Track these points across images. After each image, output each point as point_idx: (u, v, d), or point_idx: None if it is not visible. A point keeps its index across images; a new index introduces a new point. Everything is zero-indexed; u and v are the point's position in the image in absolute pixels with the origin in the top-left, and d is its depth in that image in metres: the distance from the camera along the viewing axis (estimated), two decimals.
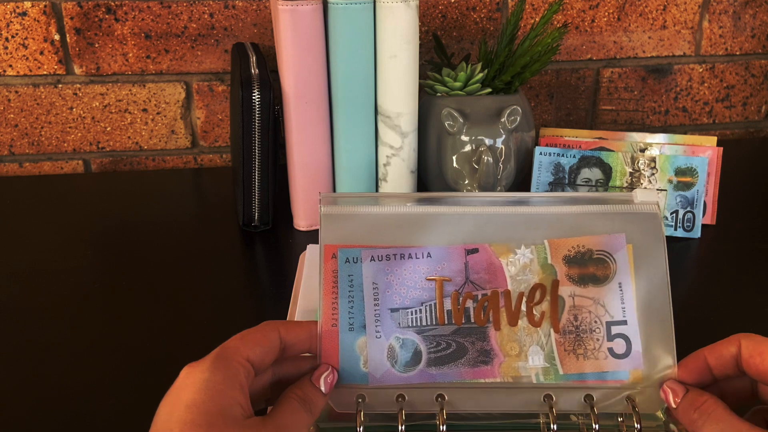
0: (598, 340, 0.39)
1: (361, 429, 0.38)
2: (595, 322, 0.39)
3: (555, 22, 0.88)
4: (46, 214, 0.75)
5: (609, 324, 0.39)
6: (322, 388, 0.37)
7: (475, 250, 0.40)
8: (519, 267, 0.40)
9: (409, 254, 0.39)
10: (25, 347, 0.52)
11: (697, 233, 0.68)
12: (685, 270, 0.64)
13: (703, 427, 0.35)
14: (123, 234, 0.70)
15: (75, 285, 0.61)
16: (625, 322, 0.39)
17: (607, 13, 0.90)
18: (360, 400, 0.39)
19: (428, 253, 0.40)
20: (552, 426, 0.38)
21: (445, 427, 0.38)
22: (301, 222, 0.70)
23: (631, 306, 0.40)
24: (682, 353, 0.39)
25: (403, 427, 0.38)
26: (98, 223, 0.73)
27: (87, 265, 0.65)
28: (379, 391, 0.39)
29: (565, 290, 0.40)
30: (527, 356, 0.39)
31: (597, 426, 0.38)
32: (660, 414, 0.40)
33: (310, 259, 0.62)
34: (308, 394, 0.36)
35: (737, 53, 0.96)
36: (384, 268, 0.39)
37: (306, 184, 0.68)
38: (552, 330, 0.39)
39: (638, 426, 0.38)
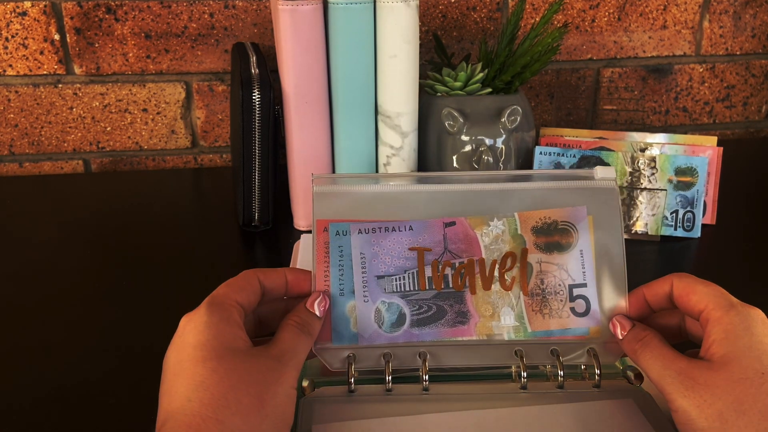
0: (561, 301, 0.44)
1: (353, 380, 0.42)
2: (559, 285, 0.44)
3: (555, 22, 0.88)
4: (46, 214, 0.75)
5: (571, 286, 0.44)
6: (317, 313, 0.41)
7: (452, 223, 0.44)
8: (492, 237, 0.44)
9: (393, 227, 0.44)
10: (25, 347, 0.52)
11: (697, 233, 0.68)
12: (685, 269, 0.64)
13: (641, 355, 0.39)
14: (123, 234, 0.70)
15: (75, 285, 0.61)
16: (585, 285, 0.44)
17: (607, 13, 0.90)
18: (350, 359, 0.42)
19: (410, 226, 0.44)
20: (522, 374, 0.42)
21: (428, 377, 0.42)
22: (301, 222, 0.70)
23: (590, 270, 0.44)
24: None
25: (390, 378, 0.42)
26: (98, 223, 0.73)
27: (87, 265, 0.64)
28: (367, 350, 0.43)
29: (533, 257, 0.44)
30: (500, 316, 0.44)
31: (562, 373, 0.42)
32: (618, 364, 0.45)
33: (303, 247, 0.63)
34: (305, 319, 0.40)
35: (737, 53, 0.96)
36: (370, 239, 0.43)
37: (306, 184, 0.68)
38: (521, 293, 0.44)
39: (598, 371, 0.42)
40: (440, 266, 0.43)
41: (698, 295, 0.39)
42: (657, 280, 0.42)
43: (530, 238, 0.44)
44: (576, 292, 0.44)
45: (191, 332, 0.36)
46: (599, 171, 0.45)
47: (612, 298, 0.44)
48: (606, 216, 0.44)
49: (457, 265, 0.43)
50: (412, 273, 0.43)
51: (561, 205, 0.44)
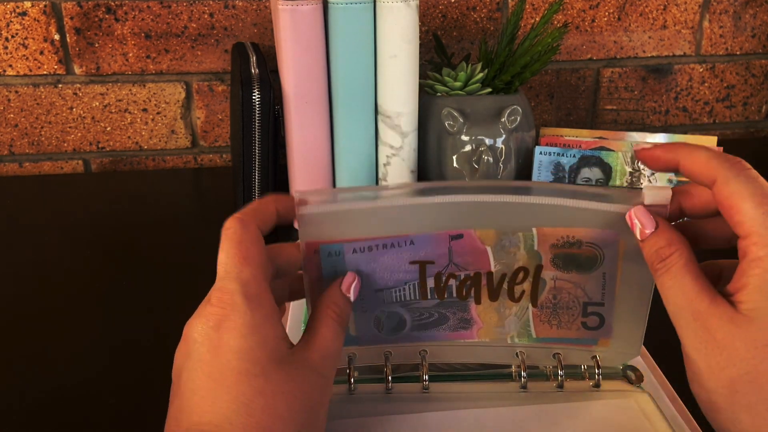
0: (573, 315, 0.41)
1: (353, 381, 0.42)
2: (573, 301, 0.41)
3: (555, 22, 0.88)
4: (46, 214, 0.75)
5: (586, 304, 0.41)
6: (351, 297, 0.38)
7: (459, 236, 0.39)
8: (504, 252, 0.39)
9: (392, 243, 0.39)
10: (25, 347, 0.52)
11: None
12: None
13: (661, 279, 0.34)
14: (123, 234, 0.70)
15: (75, 285, 0.61)
16: (602, 304, 0.41)
17: (607, 13, 0.90)
18: (351, 358, 0.42)
19: (411, 240, 0.39)
20: (522, 374, 0.42)
21: (428, 377, 0.42)
22: None
23: (611, 293, 0.40)
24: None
25: (390, 377, 0.42)
26: (98, 223, 0.73)
27: (87, 265, 0.64)
28: (367, 349, 0.42)
29: (548, 274, 0.40)
30: (504, 324, 0.42)
31: (562, 373, 0.42)
32: (618, 365, 0.45)
33: None
34: (342, 308, 0.38)
35: (737, 53, 0.95)
36: (366, 257, 0.39)
37: (306, 185, 0.68)
38: (530, 305, 0.41)
39: (598, 371, 0.42)
40: (444, 277, 0.40)
41: (744, 216, 0.32)
42: (698, 166, 0.35)
43: (547, 255, 0.39)
44: (591, 309, 0.41)
45: (231, 332, 0.32)
46: (650, 194, 0.36)
47: (630, 321, 0.40)
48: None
49: (462, 277, 0.40)
50: (413, 284, 0.40)
51: (588, 225, 0.38)
